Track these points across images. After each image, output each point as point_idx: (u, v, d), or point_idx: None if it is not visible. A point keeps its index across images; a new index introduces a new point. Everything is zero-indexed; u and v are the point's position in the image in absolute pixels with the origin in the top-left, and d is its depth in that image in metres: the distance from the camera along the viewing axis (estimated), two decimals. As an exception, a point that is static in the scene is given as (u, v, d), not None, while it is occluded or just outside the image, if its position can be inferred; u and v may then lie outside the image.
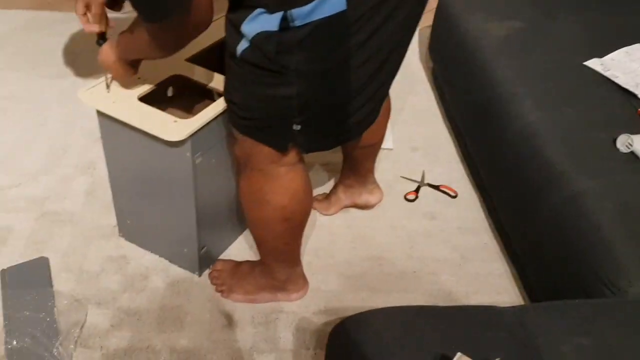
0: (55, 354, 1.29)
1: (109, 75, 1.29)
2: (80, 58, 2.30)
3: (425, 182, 1.86)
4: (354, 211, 1.74)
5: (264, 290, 1.45)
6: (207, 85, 1.40)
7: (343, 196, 1.69)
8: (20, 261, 1.51)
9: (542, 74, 1.68)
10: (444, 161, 1.96)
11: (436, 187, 1.85)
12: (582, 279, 1.25)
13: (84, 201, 1.70)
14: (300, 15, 0.93)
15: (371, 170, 1.66)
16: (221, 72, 1.40)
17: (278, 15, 0.94)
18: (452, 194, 1.83)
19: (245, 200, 1.29)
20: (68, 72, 2.22)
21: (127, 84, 1.30)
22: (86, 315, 1.40)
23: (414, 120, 2.12)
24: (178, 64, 1.40)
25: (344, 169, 1.67)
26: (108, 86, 1.29)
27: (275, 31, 0.95)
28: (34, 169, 1.79)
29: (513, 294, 1.54)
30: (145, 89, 1.32)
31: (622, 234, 1.24)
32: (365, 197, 1.68)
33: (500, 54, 1.78)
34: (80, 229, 1.61)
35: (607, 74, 1.68)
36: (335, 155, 1.74)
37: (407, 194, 1.81)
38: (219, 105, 1.29)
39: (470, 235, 1.70)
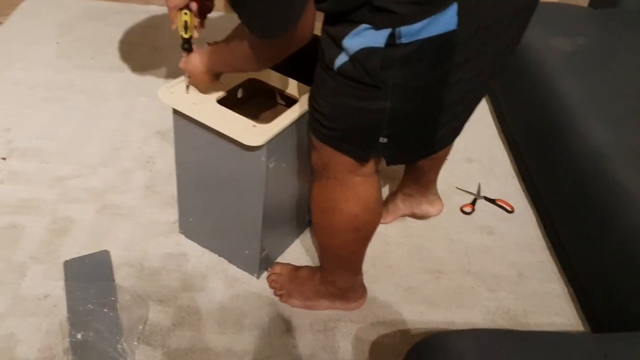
0: (120, 350, 1.30)
1: (188, 78, 1.29)
2: (137, 50, 2.32)
3: (482, 195, 1.85)
4: (410, 220, 1.73)
5: (322, 298, 1.45)
6: (282, 90, 1.40)
7: (402, 205, 1.68)
8: (82, 253, 1.53)
9: (610, 93, 1.66)
10: (499, 175, 1.95)
11: (492, 201, 1.83)
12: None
13: (143, 195, 1.71)
14: (409, 33, 0.92)
15: (434, 181, 1.65)
16: (291, 77, 1.42)
17: (385, 32, 0.93)
18: (509, 208, 1.81)
19: (317, 207, 1.29)
20: (125, 64, 2.24)
21: (206, 90, 1.31)
22: (148, 312, 1.41)
23: (469, 131, 2.05)
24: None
25: (404, 178, 1.66)
26: (187, 88, 1.30)
27: (381, 47, 0.94)
28: (93, 160, 1.80)
29: (571, 316, 1.52)
30: (221, 91, 1.33)
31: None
32: (425, 208, 1.67)
33: (565, 69, 1.75)
34: (140, 223, 1.63)
35: (678, 97, 1.64)
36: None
37: (463, 206, 1.80)
38: (295, 112, 1.29)
39: (528, 253, 1.68)
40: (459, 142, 2.01)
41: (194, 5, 1.21)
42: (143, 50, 2.33)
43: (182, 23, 1.21)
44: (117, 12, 2.54)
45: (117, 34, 2.40)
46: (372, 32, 0.94)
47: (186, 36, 1.23)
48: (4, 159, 1.77)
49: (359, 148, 1.13)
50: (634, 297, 1.30)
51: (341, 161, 1.17)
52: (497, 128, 2.14)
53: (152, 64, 2.25)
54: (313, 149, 1.22)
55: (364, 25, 0.95)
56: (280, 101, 1.48)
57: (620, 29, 1.96)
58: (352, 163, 1.17)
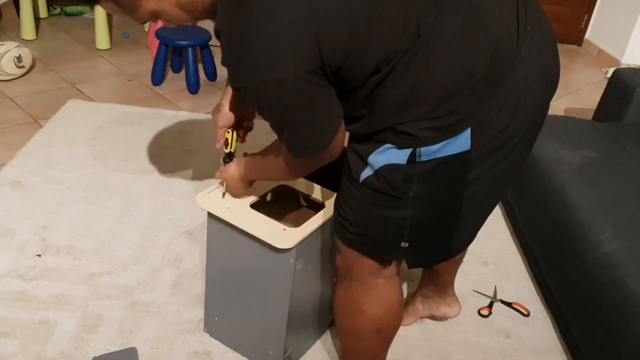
0: None
1: (225, 185, 1.40)
2: (168, 153, 2.47)
3: (498, 298, 1.90)
4: (429, 323, 1.77)
5: (344, 399, 1.47)
6: (307, 195, 1.50)
7: (421, 307, 1.73)
8: (110, 349, 1.57)
9: (619, 203, 1.74)
10: (514, 278, 2.00)
11: (509, 304, 1.87)
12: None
13: (170, 293, 1.77)
14: (428, 152, 1.04)
15: (451, 284, 1.71)
16: (314, 182, 1.52)
17: (407, 151, 1.05)
18: (525, 312, 1.85)
19: (340, 309, 1.35)
20: (156, 166, 2.38)
21: (240, 196, 1.41)
22: (173, 410, 1.44)
23: (484, 236, 2.14)
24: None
25: (423, 280, 1.72)
26: (224, 195, 1.40)
27: (403, 164, 1.06)
28: (124, 258, 1.89)
29: None
30: (253, 197, 1.43)
31: None
32: (444, 310, 1.72)
33: (575, 181, 1.85)
34: (167, 321, 1.68)
35: (683, 207, 1.73)
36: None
37: (480, 309, 1.84)
38: (320, 216, 1.39)
39: (545, 356, 1.71)
40: (475, 246, 2.09)
41: (240, 130, 1.36)
42: (173, 153, 2.48)
43: (226, 140, 1.34)
44: (149, 117, 2.73)
45: (149, 137, 2.57)
46: (395, 151, 1.06)
47: (227, 151, 1.35)
48: (39, 255, 1.86)
49: (382, 252, 1.21)
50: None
51: (364, 264, 1.24)
52: (510, 233, 2.21)
53: (182, 167, 2.39)
54: (337, 252, 1.30)
55: (387, 145, 1.07)
56: (304, 203, 1.58)
57: (625, 141, 2.08)
58: (374, 265, 1.24)
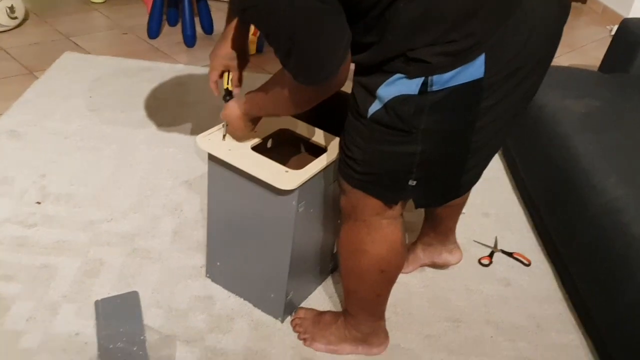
0: (149, 387, 1.33)
1: (226, 126, 1.37)
2: (165, 105, 2.44)
3: (499, 248, 1.90)
4: (429, 270, 1.77)
5: (346, 342, 1.48)
6: (309, 139, 1.48)
7: (422, 255, 1.73)
8: (112, 293, 1.57)
9: (624, 151, 1.73)
10: (515, 229, 2.00)
11: (509, 254, 1.88)
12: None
13: (171, 240, 1.77)
14: (440, 81, 1.00)
15: (452, 230, 1.70)
16: (316, 126, 1.50)
17: (418, 81, 1.01)
18: (526, 262, 1.85)
19: (344, 249, 1.34)
20: (154, 117, 2.35)
21: (242, 138, 1.39)
22: (175, 351, 1.44)
23: (484, 187, 2.14)
24: (283, 119, 1.49)
25: (424, 228, 1.72)
26: (224, 136, 1.38)
27: (414, 95, 1.02)
28: (124, 206, 1.87)
29: (591, 368, 1.54)
30: (255, 140, 1.41)
31: None
32: (445, 257, 1.71)
33: (580, 129, 1.83)
34: (168, 267, 1.68)
35: (688, 155, 1.71)
36: (409, 214, 1.79)
37: (481, 258, 1.85)
38: (323, 159, 1.37)
39: (546, 304, 1.71)
40: (475, 197, 2.09)
41: (233, 71, 1.34)
42: (171, 105, 2.44)
43: (228, 78, 1.33)
44: (146, 69, 2.68)
45: (146, 90, 2.53)
46: (406, 80, 1.02)
47: (228, 87, 1.33)
48: (38, 203, 1.84)
49: (389, 191, 1.19)
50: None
51: (369, 204, 1.23)
52: (511, 184, 2.20)
53: (180, 119, 2.36)
54: (342, 193, 1.28)
55: (397, 75, 1.03)
56: (305, 149, 1.56)
57: (630, 92, 2.05)
58: (379, 206, 1.23)
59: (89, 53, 2.79)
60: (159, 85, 2.58)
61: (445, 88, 1.01)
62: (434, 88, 1.01)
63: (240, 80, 1.39)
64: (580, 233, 1.65)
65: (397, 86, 1.03)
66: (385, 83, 1.05)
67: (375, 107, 1.08)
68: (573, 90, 2.03)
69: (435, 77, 1.00)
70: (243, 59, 1.37)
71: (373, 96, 1.08)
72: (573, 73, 2.20)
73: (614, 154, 1.71)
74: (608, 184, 1.61)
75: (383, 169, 1.16)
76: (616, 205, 1.55)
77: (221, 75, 1.39)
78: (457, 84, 1.00)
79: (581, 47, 3.60)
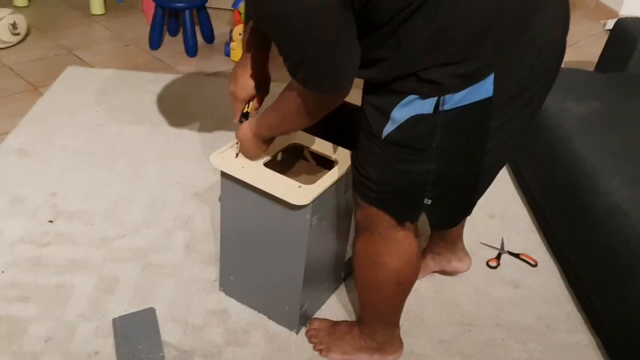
0: (171, 402, 1.36)
1: (238, 145, 1.40)
2: (171, 116, 2.46)
3: (506, 249, 1.93)
4: (439, 275, 1.80)
5: (361, 351, 1.51)
6: (319, 153, 1.51)
7: (432, 263, 1.76)
8: (129, 310, 1.60)
9: (625, 153, 1.76)
10: (521, 230, 2.03)
11: (516, 256, 1.91)
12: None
13: (184, 254, 1.80)
14: (451, 100, 1.03)
15: (460, 236, 1.73)
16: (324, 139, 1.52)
17: (432, 100, 1.04)
18: (532, 262, 1.89)
19: (360, 262, 1.37)
20: (160, 129, 2.37)
21: (254, 158, 1.41)
22: (195, 366, 1.47)
23: (489, 189, 2.18)
24: (293, 133, 1.52)
25: (432, 236, 1.74)
26: (237, 155, 1.41)
27: (430, 114, 1.05)
28: (136, 221, 1.90)
29: (601, 367, 1.58)
30: (266, 156, 1.44)
31: None
32: (455, 265, 1.74)
33: (582, 131, 1.86)
34: (182, 281, 1.71)
35: (689, 155, 1.75)
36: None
37: (488, 260, 1.88)
38: (335, 173, 1.40)
39: (554, 305, 1.74)
40: (481, 200, 2.11)
41: (256, 98, 1.36)
42: (176, 116, 2.47)
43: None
44: (150, 81, 2.71)
45: (151, 101, 2.55)
46: (420, 101, 1.05)
47: (247, 110, 1.35)
48: (51, 221, 1.87)
49: (406, 209, 1.22)
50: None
51: (386, 218, 1.26)
52: (515, 186, 2.23)
53: (186, 130, 2.39)
54: (358, 207, 1.31)
55: (412, 96, 1.05)
56: (315, 162, 1.59)
57: (629, 92, 2.09)
58: (396, 219, 1.26)
59: (93, 66, 2.82)
60: (163, 97, 2.60)
61: (457, 107, 1.04)
62: (446, 107, 1.04)
63: (260, 105, 1.40)
64: (585, 234, 1.68)
65: (412, 107, 1.06)
66: (400, 104, 1.07)
67: (389, 127, 1.10)
68: (573, 92, 2.05)
69: (447, 97, 1.03)
70: (265, 88, 1.38)
71: (387, 117, 1.10)
72: (572, 74, 2.22)
73: (617, 156, 1.74)
74: (612, 186, 1.64)
75: (398, 187, 1.18)
76: (620, 207, 1.58)
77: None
78: (467, 103, 1.03)
79: (576, 42, 3.63)
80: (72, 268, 1.71)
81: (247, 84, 1.33)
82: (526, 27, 1.02)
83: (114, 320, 1.56)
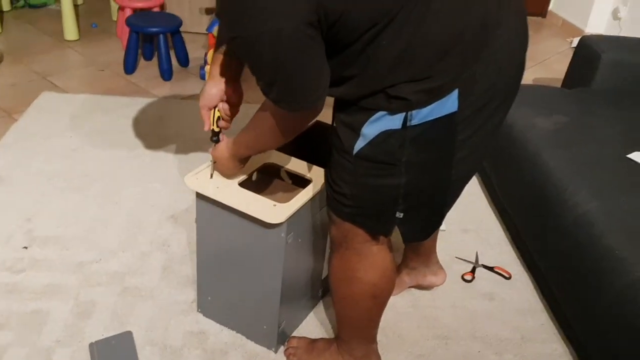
0: None
1: (214, 164, 1.41)
2: (146, 140, 2.47)
3: (480, 263, 1.96)
4: (415, 290, 1.82)
5: (340, 367, 1.52)
6: (293, 171, 1.53)
7: (407, 278, 1.78)
8: (105, 334, 1.59)
9: (592, 166, 1.81)
10: (495, 243, 2.07)
11: (491, 269, 1.94)
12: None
13: (160, 277, 1.79)
14: (419, 115, 1.07)
15: (433, 250, 1.76)
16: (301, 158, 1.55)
17: (400, 116, 1.07)
18: (506, 275, 1.92)
19: (336, 277, 1.39)
20: (135, 153, 2.38)
21: (231, 177, 1.43)
22: (173, 388, 1.47)
23: (463, 204, 2.21)
24: (267, 153, 1.54)
25: (406, 252, 1.77)
26: (212, 175, 1.42)
27: (398, 129, 1.09)
28: (112, 245, 1.90)
29: (575, 375, 1.60)
30: (241, 176, 1.45)
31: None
32: (430, 279, 1.77)
33: (549, 145, 1.92)
34: (160, 304, 1.70)
35: (651, 166, 1.81)
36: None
37: (464, 274, 1.91)
38: (310, 190, 1.42)
39: (528, 316, 1.78)
40: (455, 214, 2.16)
41: (223, 105, 1.36)
42: (152, 140, 2.47)
43: (214, 119, 1.35)
44: (125, 105, 2.71)
45: (127, 126, 2.56)
46: (389, 116, 1.08)
47: (216, 129, 1.37)
48: (25, 247, 1.86)
49: (378, 223, 1.25)
50: (632, 350, 1.39)
51: (360, 233, 1.28)
52: (488, 200, 2.28)
53: (162, 153, 2.39)
54: (332, 223, 1.33)
55: (381, 112, 1.09)
56: (290, 180, 1.61)
57: (593, 106, 2.16)
58: (370, 234, 1.28)
59: (67, 92, 2.82)
60: (139, 121, 2.61)
61: (424, 122, 1.07)
62: (414, 122, 1.07)
63: (232, 116, 1.40)
64: (556, 246, 1.73)
65: (381, 122, 1.09)
66: (369, 121, 1.11)
67: (360, 144, 1.14)
68: (541, 108, 2.12)
69: (415, 112, 1.06)
70: (236, 103, 1.38)
71: (357, 134, 1.13)
72: (540, 91, 2.30)
73: (584, 169, 1.79)
74: (579, 198, 1.69)
75: (371, 202, 1.21)
76: (588, 218, 1.63)
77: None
78: (434, 117, 1.07)
79: (544, 60, 3.73)
80: (47, 294, 1.70)
81: (212, 94, 1.34)
82: (487, 43, 1.06)
83: (91, 345, 1.55)
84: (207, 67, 2.94)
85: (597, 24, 4.03)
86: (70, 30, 3.35)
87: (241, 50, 1.03)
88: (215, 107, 1.36)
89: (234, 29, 1.00)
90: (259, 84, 1.07)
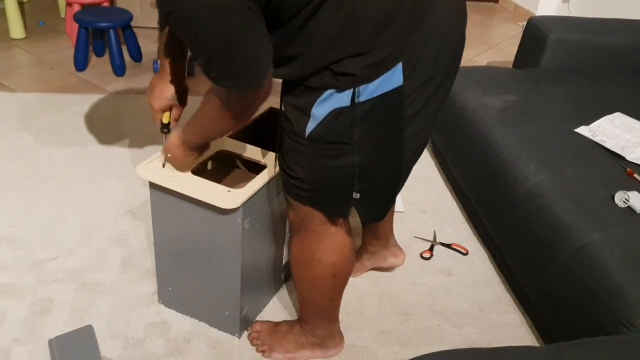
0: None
1: (167, 156, 1.40)
2: (100, 137, 2.43)
3: (438, 241, 2.00)
4: (376, 271, 1.85)
5: (303, 348, 1.54)
6: (247, 157, 1.54)
7: (368, 262, 1.81)
8: (65, 330, 1.57)
9: (540, 141, 1.87)
10: (452, 221, 2.12)
11: (448, 246, 1.99)
12: (600, 321, 1.38)
13: (120, 271, 1.78)
14: (366, 91, 1.08)
15: (391, 232, 1.79)
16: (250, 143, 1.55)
17: (349, 93, 1.08)
18: (463, 251, 1.97)
19: (296, 260, 1.40)
20: (90, 150, 2.34)
21: (184, 168, 1.42)
22: (136, 379, 1.46)
23: (420, 186, 2.28)
24: (220, 141, 1.54)
25: (365, 237, 1.79)
26: (164, 165, 1.42)
27: (348, 106, 1.09)
28: (69, 243, 1.87)
29: (531, 341, 1.66)
30: (195, 164, 1.45)
31: (631, 278, 1.38)
32: (390, 260, 1.80)
33: (499, 123, 1.97)
34: (120, 297, 1.69)
35: (596, 139, 1.88)
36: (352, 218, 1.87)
37: (422, 252, 1.95)
38: (265, 175, 1.43)
39: (485, 289, 1.83)
40: (413, 196, 2.21)
41: (175, 109, 1.38)
42: (106, 136, 2.44)
43: (165, 116, 1.38)
44: (77, 103, 2.67)
45: (79, 123, 2.52)
46: (337, 94, 1.09)
47: (165, 121, 1.36)
48: (-22, 249, 1.82)
49: (336, 205, 1.26)
50: (580, 312, 1.45)
51: (317, 215, 1.29)
52: (444, 180, 2.33)
53: (117, 148, 2.36)
54: (290, 207, 1.34)
55: (329, 91, 1.09)
56: (244, 167, 1.61)
57: (542, 85, 2.22)
58: (327, 216, 1.30)
59: (15, 91, 2.75)
60: (92, 118, 2.57)
61: (372, 98, 1.09)
62: (362, 99, 1.08)
63: (179, 116, 1.41)
64: (508, 218, 1.78)
65: (330, 101, 1.10)
66: (318, 101, 1.11)
67: (311, 125, 1.14)
68: (492, 88, 2.17)
69: (362, 88, 1.07)
70: (183, 98, 1.38)
71: (308, 115, 1.13)
72: (490, 71, 2.35)
73: (531, 144, 1.85)
74: (528, 171, 1.74)
75: (327, 184, 1.22)
76: (537, 190, 1.68)
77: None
78: (381, 93, 1.08)
79: (497, 44, 3.81)
80: (3, 294, 1.67)
81: (163, 94, 1.34)
82: (424, 17, 1.08)
83: (50, 341, 1.53)
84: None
85: (547, 8, 4.14)
86: (16, 28, 3.27)
87: (177, 25, 1.00)
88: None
89: (169, 3, 0.97)
90: (199, 63, 1.05)
